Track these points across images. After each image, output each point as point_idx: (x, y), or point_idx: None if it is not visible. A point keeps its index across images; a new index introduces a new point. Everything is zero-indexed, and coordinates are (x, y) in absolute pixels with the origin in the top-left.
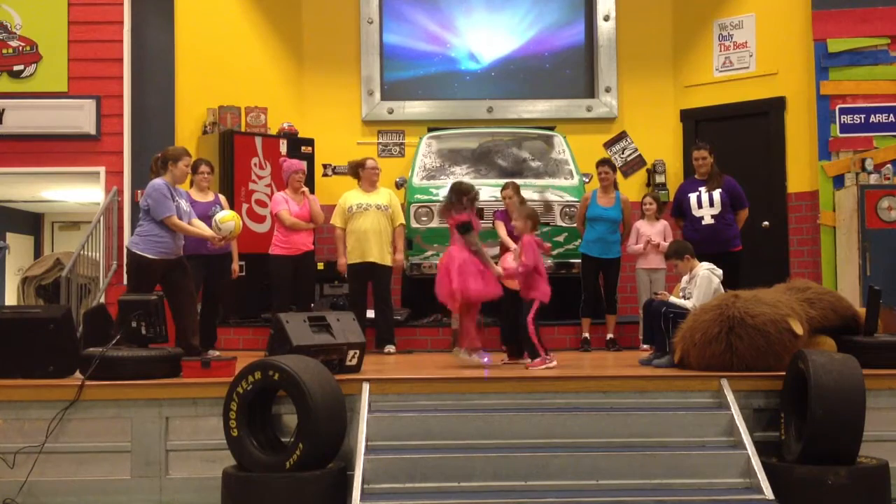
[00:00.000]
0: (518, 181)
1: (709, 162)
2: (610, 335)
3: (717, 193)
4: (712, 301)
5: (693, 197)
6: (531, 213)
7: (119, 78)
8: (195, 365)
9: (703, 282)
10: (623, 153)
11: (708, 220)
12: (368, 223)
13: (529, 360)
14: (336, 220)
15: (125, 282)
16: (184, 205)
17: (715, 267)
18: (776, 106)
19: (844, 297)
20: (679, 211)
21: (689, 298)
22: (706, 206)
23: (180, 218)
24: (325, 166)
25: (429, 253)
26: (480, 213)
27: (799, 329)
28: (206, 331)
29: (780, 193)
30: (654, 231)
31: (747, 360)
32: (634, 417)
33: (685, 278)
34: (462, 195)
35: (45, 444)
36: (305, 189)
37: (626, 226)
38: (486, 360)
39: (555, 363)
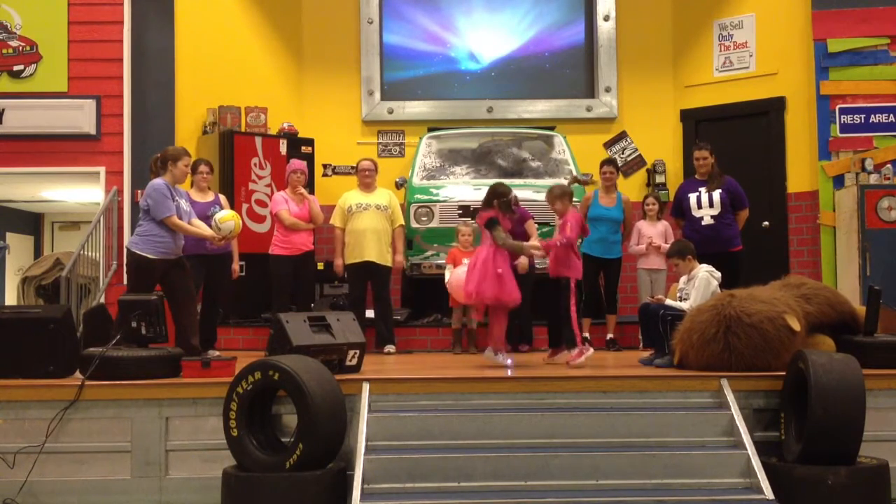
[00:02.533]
0: (518, 181)
1: (709, 162)
2: (610, 335)
3: (716, 194)
4: (709, 301)
5: (693, 197)
6: (565, 190)
7: (119, 78)
8: (195, 365)
9: (701, 283)
10: (623, 153)
11: (707, 221)
12: (367, 223)
13: (568, 353)
14: (335, 220)
15: (125, 282)
16: (184, 205)
17: (714, 269)
18: (776, 106)
19: (840, 293)
20: (679, 211)
21: (686, 300)
22: (706, 206)
23: (180, 218)
24: (325, 166)
25: (429, 253)
26: (475, 214)
27: (796, 325)
28: (206, 331)
29: (780, 193)
30: (655, 232)
31: (746, 358)
32: (634, 417)
33: (683, 279)
34: (496, 197)
35: (45, 444)
36: (304, 190)
37: (626, 226)
38: (508, 362)
39: (591, 351)
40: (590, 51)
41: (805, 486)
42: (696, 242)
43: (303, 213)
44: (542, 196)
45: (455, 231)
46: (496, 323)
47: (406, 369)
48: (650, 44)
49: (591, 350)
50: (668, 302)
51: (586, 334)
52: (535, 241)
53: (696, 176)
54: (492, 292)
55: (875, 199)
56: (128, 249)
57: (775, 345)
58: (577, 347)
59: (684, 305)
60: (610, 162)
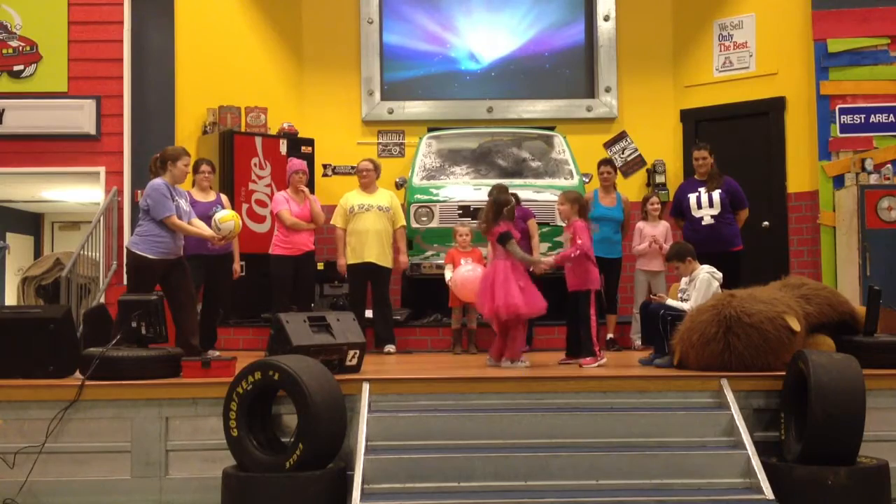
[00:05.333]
0: (518, 181)
1: (708, 162)
2: (610, 335)
3: (716, 194)
4: (709, 301)
5: (693, 197)
6: (577, 197)
7: (119, 78)
8: (195, 365)
9: (701, 284)
10: (623, 153)
11: (707, 221)
12: (369, 224)
13: (583, 358)
14: (337, 221)
15: (125, 282)
16: (184, 204)
17: (715, 270)
18: (776, 106)
19: (840, 293)
20: (678, 211)
21: (687, 300)
22: (705, 206)
23: (180, 218)
24: (325, 166)
25: (429, 253)
26: (476, 214)
27: (796, 325)
28: (206, 331)
29: (780, 193)
30: (656, 232)
31: (746, 358)
32: (634, 417)
33: (684, 280)
34: (502, 207)
35: (45, 444)
36: (305, 189)
37: (626, 226)
38: (527, 363)
39: (605, 360)
40: (590, 51)
41: (805, 486)
42: (696, 242)
43: (304, 213)
44: (542, 196)
45: (453, 231)
46: (518, 336)
47: (406, 369)
48: (650, 44)
49: (605, 359)
50: (669, 302)
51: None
52: (548, 258)
53: (696, 176)
54: (520, 305)
55: (875, 199)
56: (127, 249)
57: (775, 345)
58: (593, 355)
59: (685, 306)
60: (608, 162)
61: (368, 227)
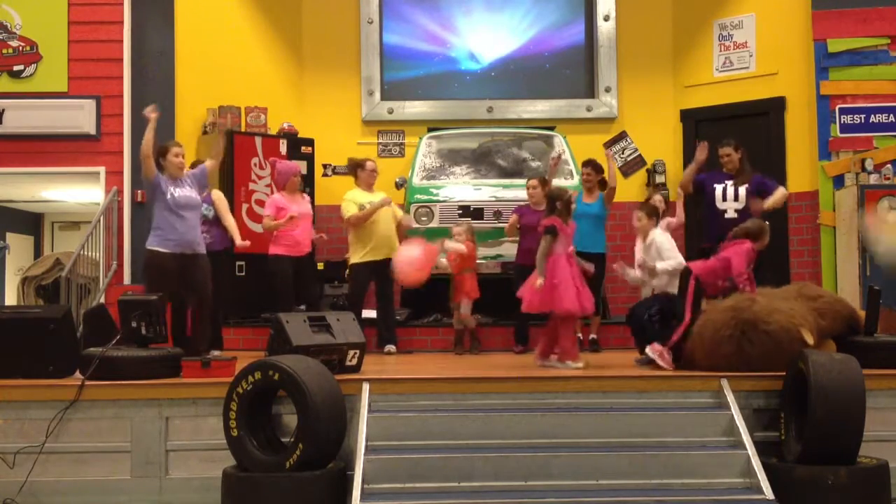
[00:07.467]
0: (518, 181)
1: (734, 158)
2: (593, 335)
3: (743, 189)
4: (727, 301)
5: (719, 188)
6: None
7: (119, 78)
8: (195, 365)
9: (663, 243)
10: (623, 153)
11: (731, 214)
12: (378, 223)
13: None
14: (350, 209)
15: (125, 282)
16: (178, 192)
17: (661, 230)
18: (776, 106)
19: (850, 304)
20: (699, 189)
21: (651, 268)
22: (731, 199)
23: (177, 206)
24: (324, 166)
25: None
26: (480, 213)
27: (811, 340)
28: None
29: None
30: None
31: (756, 365)
32: (634, 417)
33: (638, 247)
34: (554, 200)
35: (45, 444)
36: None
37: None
38: (580, 364)
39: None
40: (590, 51)
41: (805, 486)
42: (718, 233)
43: (306, 213)
44: None
45: (450, 231)
46: (567, 334)
47: (406, 369)
48: (650, 44)
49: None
50: (629, 272)
51: (593, 335)
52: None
53: (724, 170)
54: (588, 303)
55: (875, 199)
56: (145, 250)
57: (787, 356)
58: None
59: (661, 267)
60: (590, 163)
61: (377, 226)
